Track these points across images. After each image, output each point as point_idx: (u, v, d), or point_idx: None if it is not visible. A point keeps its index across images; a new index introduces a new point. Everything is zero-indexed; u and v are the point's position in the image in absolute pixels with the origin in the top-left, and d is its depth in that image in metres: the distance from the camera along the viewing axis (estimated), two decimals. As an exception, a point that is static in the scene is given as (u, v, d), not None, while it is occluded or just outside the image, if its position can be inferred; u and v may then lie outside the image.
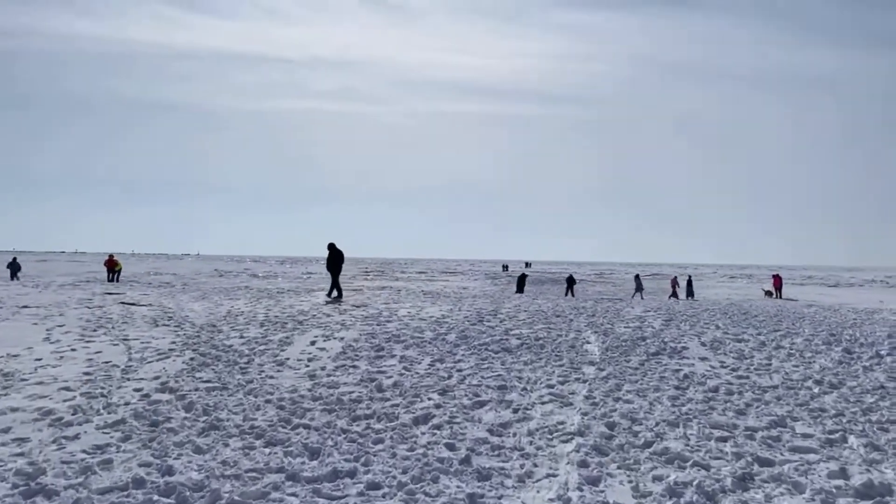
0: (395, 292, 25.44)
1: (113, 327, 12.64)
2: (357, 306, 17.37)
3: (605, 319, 14.96)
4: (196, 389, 7.63)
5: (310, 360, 9.62)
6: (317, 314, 15.31)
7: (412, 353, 10.08)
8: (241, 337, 11.56)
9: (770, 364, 9.60)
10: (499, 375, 8.63)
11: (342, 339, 11.38)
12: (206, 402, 7.08)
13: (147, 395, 7.29)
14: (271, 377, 8.44)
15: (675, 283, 39.30)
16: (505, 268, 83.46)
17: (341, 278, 21.23)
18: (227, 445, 5.68)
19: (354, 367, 9.15)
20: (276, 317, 14.73)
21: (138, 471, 4.94)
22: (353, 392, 7.62)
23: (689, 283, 38.40)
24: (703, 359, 10.00)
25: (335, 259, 20.42)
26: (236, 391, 7.65)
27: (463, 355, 10.00)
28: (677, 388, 8.04)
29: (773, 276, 42.53)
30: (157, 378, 8.19)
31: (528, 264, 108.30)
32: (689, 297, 35.44)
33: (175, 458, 5.27)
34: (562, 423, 6.47)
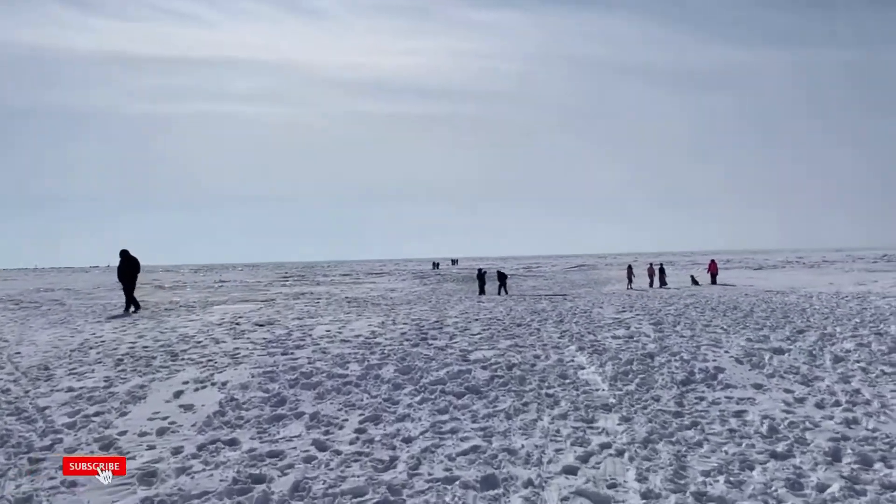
0: (314, 301, 21.59)
1: None
2: (260, 325, 13.53)
3: (580, 326, 11.76)
4: None
5: (160, 432, 5.87)
6: (203, 340, 11.42)
7: (329, 409, 6.48)
8: (72, 389, 7.62)
9: (859, 391, 6.56)
10: (475, 449, 5.16)
11: (224, 384, 7.63)
12: None
13: None
14: (71, 486, 4.67)
15: (651, 271, 37.31)
16: (436, 265, 79.96)
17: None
18: None
19: (231, 444, 5.47)
20: (146, 347, 10.77)
21: None
22: (209, 525, 3.97)
23: (662, 271, 36.66)
24: (757, 387, 6.87)
25: (128, 268, 18.00)
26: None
27: (409, 406, 6.49)
28: (775, 455, 4.81)
29: (710, 261, 41.07)
30: None
31: (454, 261, 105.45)
32: (662, 286, 34.01)
33: None
34: None
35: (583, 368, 7.99)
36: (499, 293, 30.58)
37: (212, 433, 5.81)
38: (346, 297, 23.29)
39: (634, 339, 10.12)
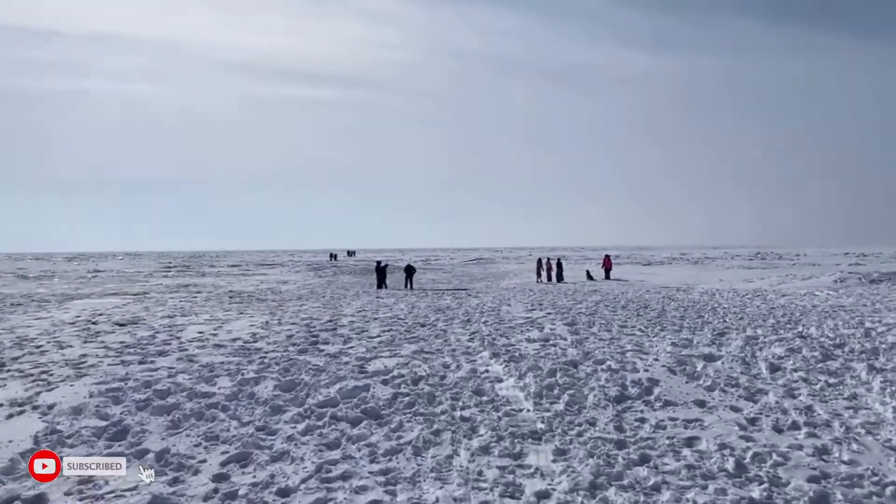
0: (193, 295, 19.47)
1: None
2: (121, 325, 11.58)
3: (490, 327, 10.68)
4: None
5: (-70, 490, 4.20)
6: (44, 345, 9.46)
7: (184, 444, 4.97)
8: None
9: (812, 409, 5.77)
10: (374, 506, 3.88)
11: (50, 408, 5.92)
12: None
13: None
14: None
15: (549, 265, 36.65)
16: (333, 257, 77.30)
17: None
18: None
19: (32, 507, 3.91)
20: (-35, 355, 8.73)
21: None
22: None
23: (559, 265, 36.17)
24: (701, 405, 5.96)
25: None
26: None
27: (290, 438, 5.09)
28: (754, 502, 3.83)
29: (605, 256, 41.53)
30: None
31: (351, 252, 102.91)
32: (559, 280, 33.57)
33: None
34: None
35: (500, 381, 6.85)
36: (405, 286, 29.25)
37: (8, 488, 4.19)
38: (230, 292, 21.23)
39: (551, 342, 9.13)
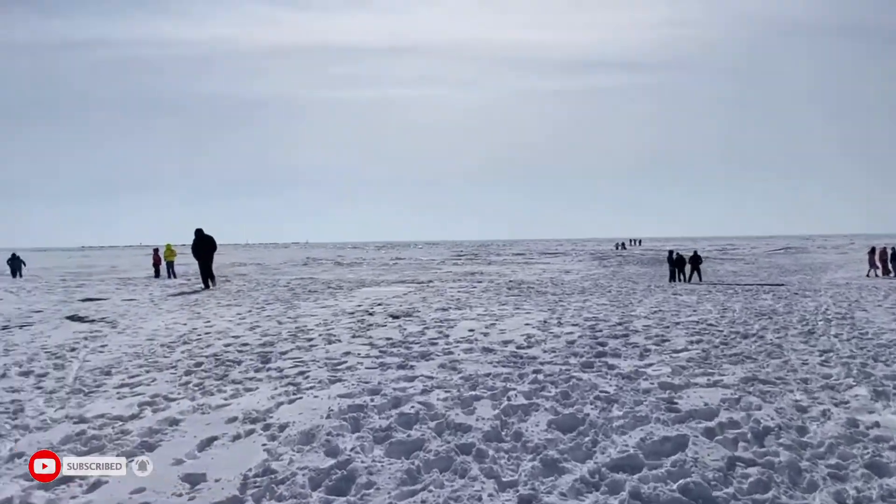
0: (473, 285, 18.81)
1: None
2: (395, 317, 10.91)
3: (849, 344, 7.67)
4: None
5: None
6: (315, 338, 8.99)
7: (412, 521, 3.42)
8: (83, 420, 5.33)
9: None
10: None
11: (282, 428, 4.87)
12: None
13: None
14: None
15: (883, 255, 30.27)
16: (621, 246, 73.88)
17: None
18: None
19: None
20: (243, 346, 8.55)
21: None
22: None
23: (895, 257, 29.55)
24: None
25: (201, 245, 18.27)
26: None
27: (567, 530, 3.24)
28: None
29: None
30: None
31: (637, 241, 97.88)
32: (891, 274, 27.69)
33: None
34: None
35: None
36: (689, 280, 26.11)
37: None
38: (510, 282, 20.20)
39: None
